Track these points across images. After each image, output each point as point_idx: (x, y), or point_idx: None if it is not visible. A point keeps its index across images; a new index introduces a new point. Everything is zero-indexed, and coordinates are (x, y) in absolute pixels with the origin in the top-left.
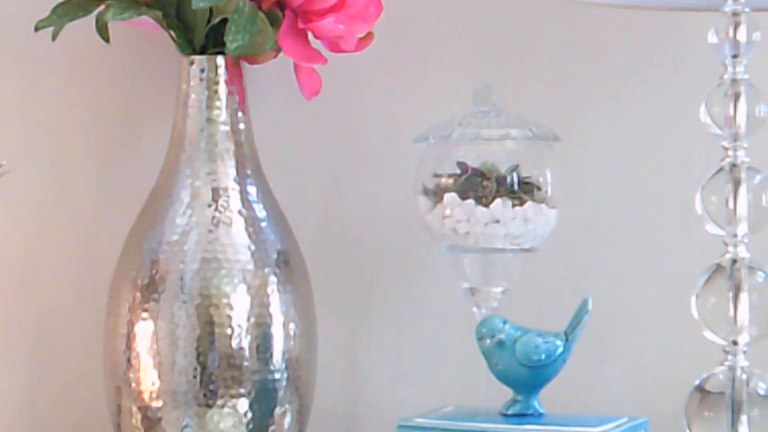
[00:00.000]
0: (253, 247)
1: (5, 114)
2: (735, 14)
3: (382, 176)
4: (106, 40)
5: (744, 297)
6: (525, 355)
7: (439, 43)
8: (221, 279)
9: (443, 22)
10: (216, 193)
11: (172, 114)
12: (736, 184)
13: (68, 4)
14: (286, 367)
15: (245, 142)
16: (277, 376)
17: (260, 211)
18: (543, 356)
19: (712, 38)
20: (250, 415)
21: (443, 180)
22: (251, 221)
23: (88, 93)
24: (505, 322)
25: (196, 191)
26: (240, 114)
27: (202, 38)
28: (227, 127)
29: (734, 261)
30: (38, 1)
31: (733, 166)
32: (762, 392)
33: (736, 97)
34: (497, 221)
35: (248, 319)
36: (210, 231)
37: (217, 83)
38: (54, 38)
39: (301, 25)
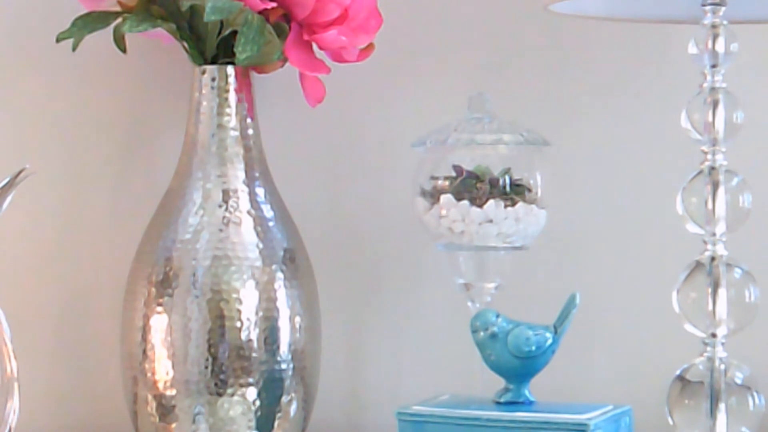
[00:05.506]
0: (261, 245)
1: (29, 121)
2: (714, 26)
3: (382, 178)
4: (123, 50)
5: (722, 292)
6: (516, 347)
7: (436, 54)
8: (231, 275)
9: (440, 35)
10: (226, 195)
11: (184, 120)
12: (715, 186)
13: (87, 16)
14: (292, 358)
15: (254, 146)
16: (283, 366)
17: (268, 212)
18: (533, 348)
19: (692, 49)
20: (258, 403)
21: (440, 182)
22: (259, 221)
23: (106, 100)
24: (497, 316)
25: (207, 193)
26: (249, 120)
27: (214, 49)
28: (237, 133)
29: (713, 258)
30: (59, 13)
31: (712, 169)
32: (739, 381)
33: (715, 105)
34: (490, 221)
35: (256, 313)
36: (221, 230)
37: (227, 91)
38: (74, 49)
39: (306, 37)
